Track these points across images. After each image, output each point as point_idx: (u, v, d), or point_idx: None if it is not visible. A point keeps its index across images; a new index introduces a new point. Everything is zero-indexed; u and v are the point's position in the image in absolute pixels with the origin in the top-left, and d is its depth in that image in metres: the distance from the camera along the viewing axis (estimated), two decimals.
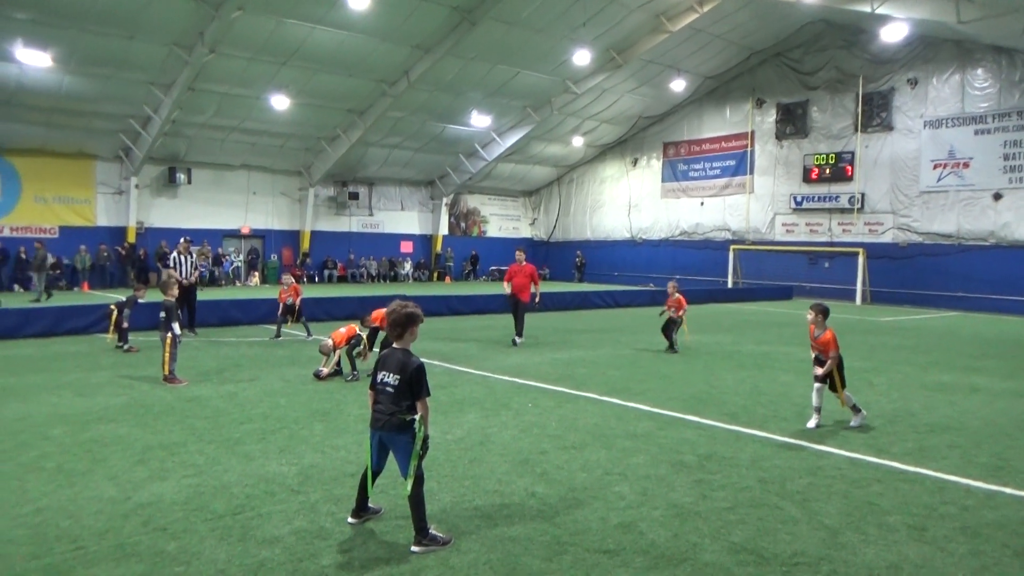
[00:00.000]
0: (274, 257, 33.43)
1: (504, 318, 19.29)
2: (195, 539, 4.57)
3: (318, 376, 10.07)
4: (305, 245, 34.34)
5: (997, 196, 25.96)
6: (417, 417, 4.57)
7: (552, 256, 42.66)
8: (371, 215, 37.01)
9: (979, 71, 26.35)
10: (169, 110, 25.41)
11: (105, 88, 24.38)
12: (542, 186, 42.91)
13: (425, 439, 4.58)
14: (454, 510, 5.12)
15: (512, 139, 34.07)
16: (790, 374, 11.15)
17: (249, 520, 4.87)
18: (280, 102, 26.75)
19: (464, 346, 13.65)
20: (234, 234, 32.73)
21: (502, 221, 42.78)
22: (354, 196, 35.44)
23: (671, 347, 13.45)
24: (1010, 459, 6.69)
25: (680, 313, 13.61)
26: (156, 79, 24.53)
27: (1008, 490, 5.79)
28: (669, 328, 13.57)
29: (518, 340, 14.13)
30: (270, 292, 24.90)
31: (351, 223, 36.30)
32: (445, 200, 38.95)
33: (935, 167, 27.44)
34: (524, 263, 14.81)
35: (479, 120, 31.76)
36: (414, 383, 4.61)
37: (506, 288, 14.75)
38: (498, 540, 4.61)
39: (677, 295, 13.77)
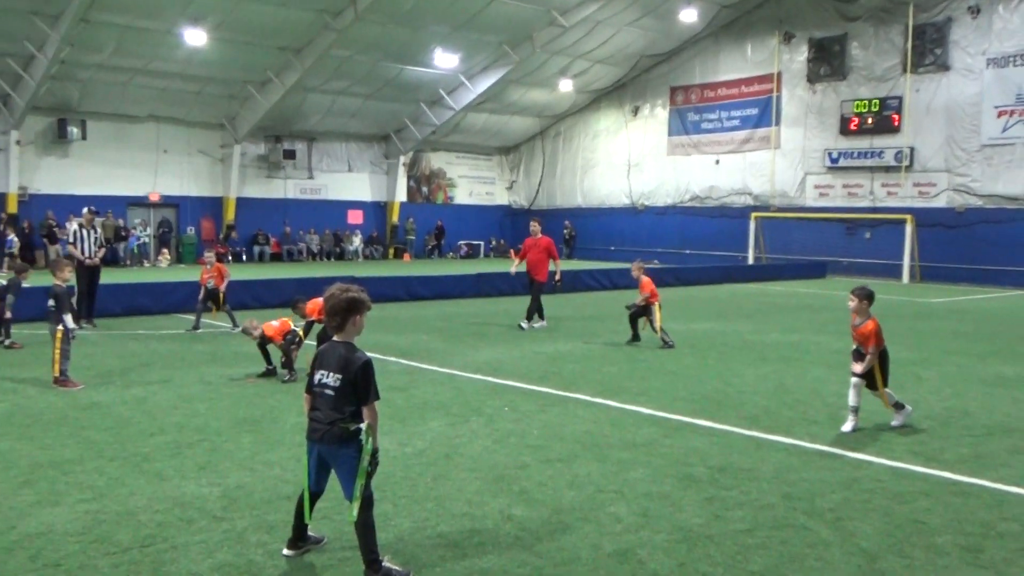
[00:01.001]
0: (191, 231, 33.20)
1: (474, 304, 19.35)
2: None
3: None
4: (230, 215, 34.12)
5: None
6: (364, 426, 4.54)
7: None
8: (311, 178, 36.85)
9: None
10: (57, 47, 25.04)
11: None
12: (522, 142, 42.91)
13: (374, 453, 4.56)
14: (414, 538, 5.16)
15: (485, 83, 34.01)
16: (823, 368, 11.32)
17: (161, 553, 4.87)
18: (196, 37, 26.47)
19: (426, 338, 13.67)
20: (141, 202, 32.43)
21: (473, 185, 42.77)
22: (290, 155, 35.23)
23: (635, 338, 13.39)
24: None
25: (654, 300, 13.22)
26: (39, 8, 24.14)
27: None
28: (638, 318, 13.37)
29: (524, 325, 14.89)
30: (186, 274, 24.75)
31: (287, 188, 36.11)
32: (403, 159, 38.84)
33: (1000, 115, 27.82)
34: (540, 235, 15.61)
35: (444, 60, 31.63)
36: (359, 384, 4.56)
37: (515, 266, 15.83)
38: (467, 574, 4.65)
39: (645, 277, 13.45)
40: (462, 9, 28.80)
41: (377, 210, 39.16)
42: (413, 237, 39.39)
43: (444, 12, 28.75)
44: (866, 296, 8.09)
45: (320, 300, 10.51)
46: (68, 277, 9.73)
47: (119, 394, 9.18)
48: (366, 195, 38.79)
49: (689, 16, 31.79)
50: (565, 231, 40.31)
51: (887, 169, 30.50)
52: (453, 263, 35.66)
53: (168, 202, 33.00)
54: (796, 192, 33.10)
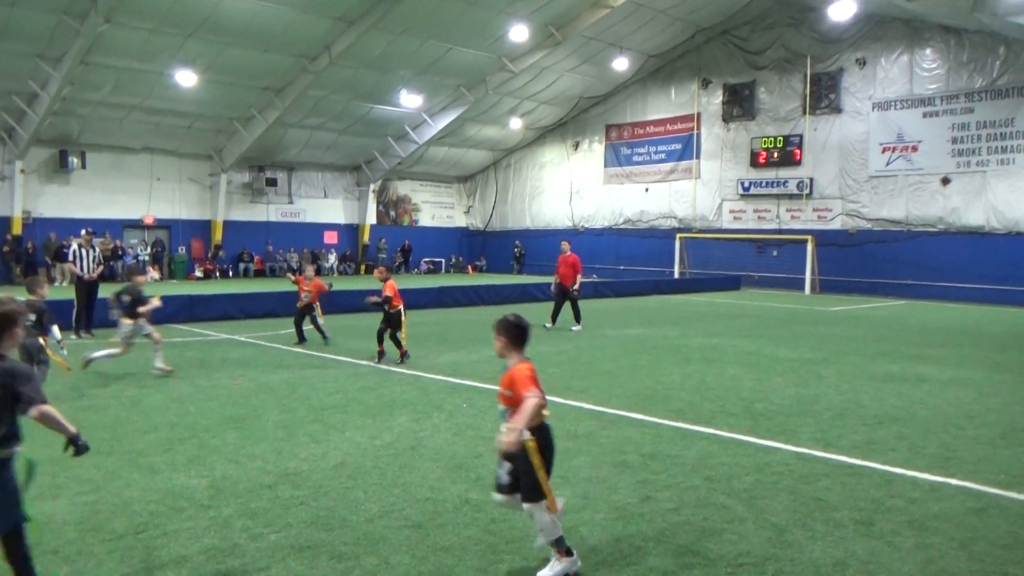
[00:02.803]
0: (182, 250, 32.50)
1: (436, 314, 19.24)
2: (91, 562, 4.42)
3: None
4: (217, 236, 33.48)
5: (945, 180, 27.19)
6: (18, 450, 3.75)
7: (489, 246, 42.72)
8: (291, 203, 36.36)
9: (927, 51, 27.51)
10: (59, 86, 24.38)
11: None
12: (478, 171, 42.90)
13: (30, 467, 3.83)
14: (382, 520, 5.09)
15: (445, 120, 33.94)
16: (739, 367, 11.46)
17: (153, 539, 4.74)
18: (186, 78, 25.98)
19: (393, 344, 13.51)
20: (136, 224, 31.66)
21: (435, 209, 42.60)
22: (272, 182, 34.73)
23: (301, 339, 13.16)
24: (957, 450, 7.03)
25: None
26: (43, 51, 23.50)
27: (954, 481, 6.08)
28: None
29: (575, 328, 15.88)
30: (175, 288, 24.23)
31: (269, 212, 35.58)
32: (372, 187, 38.55)
33: (884, 151, 28.56)
34: (569, 253, 16.72)
35: (409, 100, 31.51)
36: (16, 391, 3.67)
37: (555, 280, 16.81)
38: (430, 551, 4.60)
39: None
40: (424, 56, 28.74)
41: (350, 231, 38.76)
42: (384, 255, 39.05)
43: (409, 58, 28.66)
44: (504, 329, 4.58)
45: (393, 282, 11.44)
46: (46, 294, 9.00)
47: (115, 396, 8.93)
48: (340, 218, 38.38)
49: (621, 64, 32.14)
50: (516, 250, 40.34)
51: (791, 196, 31.09)
52: (417, 278, 35.44)
53: (161, 224, 32.28)
54: (714, 216, 33.56)
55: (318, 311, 13.77)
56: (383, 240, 39.02)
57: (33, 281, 9.04)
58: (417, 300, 20.67)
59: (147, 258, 31.01)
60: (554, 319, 16.38)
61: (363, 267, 38.10)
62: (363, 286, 23.57)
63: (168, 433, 7.28)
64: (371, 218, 39.01)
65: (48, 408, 3.75)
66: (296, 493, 5.60)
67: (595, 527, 5.03)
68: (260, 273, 34.20)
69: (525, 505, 4.36)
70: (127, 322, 10.34)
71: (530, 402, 4.18)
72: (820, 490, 5.81)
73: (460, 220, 43.88)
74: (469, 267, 41.77)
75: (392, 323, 11.66)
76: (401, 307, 11.66)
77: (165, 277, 31.21)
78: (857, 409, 8.70)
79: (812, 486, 5.91)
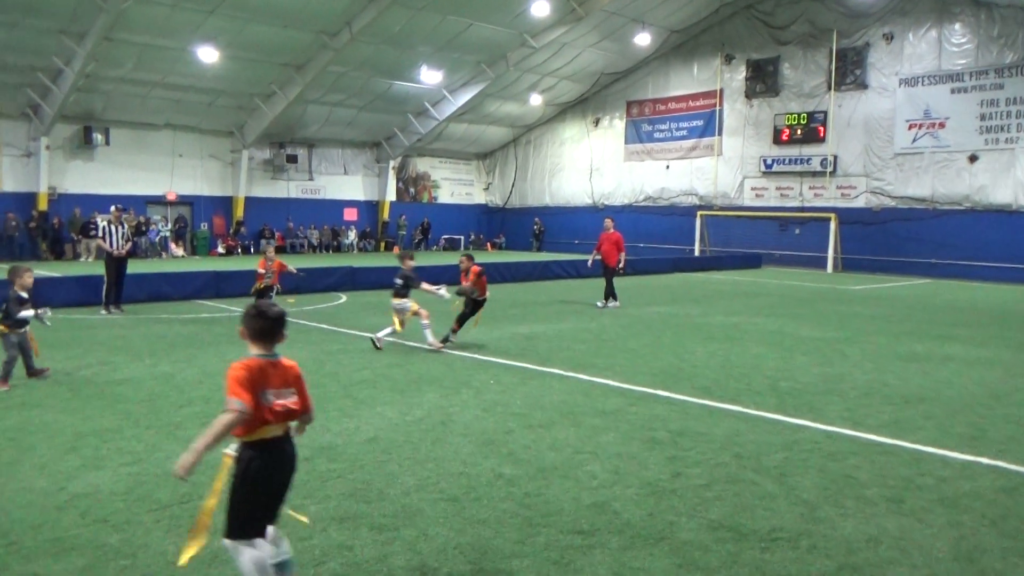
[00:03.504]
0: (204, 226, 32.77)
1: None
2: (140, 531, 4.55)
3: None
4: (239, 212, 33.71)
5: (973, 158, 26.83)
6: None
7: (508, 223, 42.71)
8: (311, 180, 36.48)
9: (956, 26, 27.05)
10: (83, 62, 24.52)
11: (8, 37, 23.43)
12: (497, 148, 42.79)
13: None
14: (418, 493, 5.19)
15: (465, 97, 33.84)
16: (762, 346, 11.47)
17: (198, 509, 4.86)
18: (208, 55, 26.05)
19: (418, 321, 13.61)
20: (158, 200, 31.94)
21: (454, 186, 42.60)
22: (292, 159, 34.86)
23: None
24: (985, 429, 7.04)
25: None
26: (67, 27, 23.62)
27: (984, 460, 6.10)
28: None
29: (600, 304, 16.00)
30: (200, 264, 24.50)
31: (289, 188, 35.74)
32: (392, 163, 38.59)
33: (910, 127, 28.19)
34: (612, 231, 16.60)
35: (429, 76, 31.42)
36: None
37: (592, 257, 16.95)
38: (467, 524, 4.70)
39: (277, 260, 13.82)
40: (445, 32, 28.61)
41: (370, 208, 38.88)
42: (404, 232, 39.21)
43: (429, 34, 28.55)
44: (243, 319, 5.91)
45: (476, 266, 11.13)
46: (29, 284, 8.31)
47: (149, 371, 9.10)
48: (360, 195, 38.50)
49: (643, 40, 31.83)
50: (535, 227, 40.32)
51: (814, 174, 30.82)
52: (437, 255, 35.55)
53: (183, 200, 32.54)
54: (735, 193, 33.35)
55: (276, 292, 13.44)
56: (403, 217, 39.15)
57: (15, 271, 8.29)
58: (437, 277, 20.70)
59: (168, 234, 31.31)
60: (614, 296, 16.21)
61: (383, 244, 38.25)
62: (383, 263, 23.72)
63: (203, 407, 7.43)
64: (391, 195, 39.09)
65: None
66: (332, 466, 5.72)
67: (628, 502, 5.11)
68: (281, 249, 34.40)
69: (224, 541, 3.62)
70: (399, 300, 10.93)
71: (222, 417, 3.44)
72: (850, 468, 5.86)
73: (479, 197, 43.86)
74: (488, 244, 41.81)
75: (475, 310, 11.28)
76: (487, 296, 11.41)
77: (188, 253, 31.50)
78: (883, 388, 8.71)
79: (842, 464, 5.95)
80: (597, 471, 5.71)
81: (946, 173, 27.45)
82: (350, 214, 38.00)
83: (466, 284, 11.20)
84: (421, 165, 40.94)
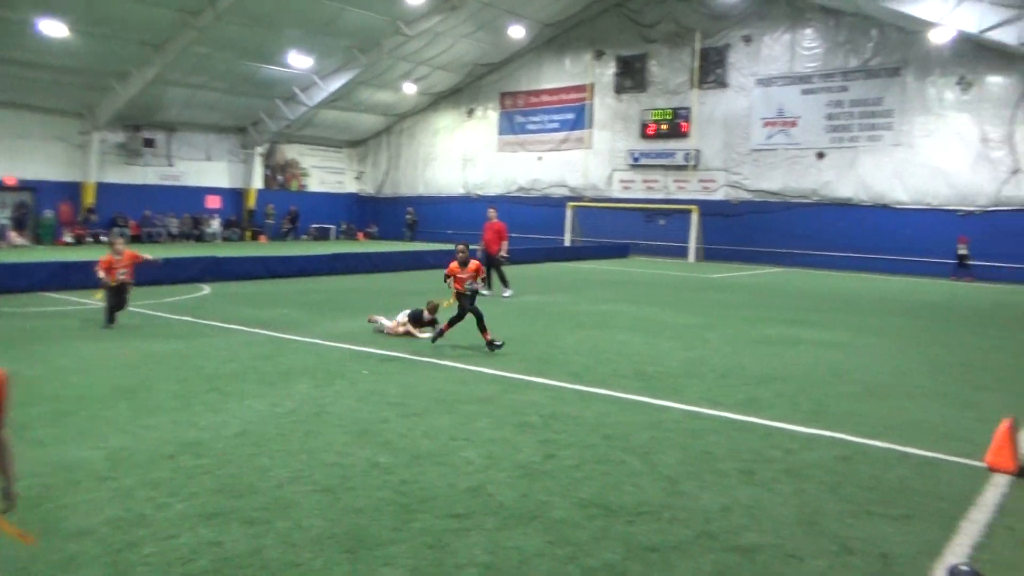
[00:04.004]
0: (48, 213, 30.47)
1: (329, 281, 18.99)
2: None
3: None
4: (89, 199, 31.57)
5: (820, 155, 28.87)
6: None
7: (381, 213, 42.23)
8: (171, 165, 34.63)
9: (808, 31, 28.96)
10: None
11: None
12: (369, 136, 42.16)
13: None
14: (291, 486, 5.13)
15: (336, 84, 33.12)
16: (629, 332, 11.97)
17: (50, 513, 4.62)
18: (54, 29, 24.22)
19: (286, 311, 13.34)
20: None
21: (324, 174, 41.64)
22: (149, 143, 32.99)
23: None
24: (827, 405, 7.68)
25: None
26: None
27: (825, 433, 6.67)
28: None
29: (507, 293, 16.26)
30: (45, 255, 22.83)
31: (147, 175, 33.79)
32: (259, 150, 37.27)
33: (765, 125, 29.98)
34: (494, 220, 16.95)
35: (298, 61, 30.55)
36: None
37: (480, 246, 16.74)
38: (343, 513, 4.69)
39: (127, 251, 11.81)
40: (316, 15, 27.86)
41: (235, 196, 37.36)
42: (271, 221, 37.95)
43: (299, 17, 27.71)
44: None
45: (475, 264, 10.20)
46: None
47: None
48: (224, 182, 36.90)
49: (516, 32, 32.22)
50: (408, 216, 40.08)
51: (678, 167, 32.22)
52: (307, 244, 34.66)
53: (25, 186, 30.11)
54: (605, 185, 34.39)
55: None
56: (270, 206, 37.90)
57: None
58: (307, 267, 20.35)
59: (7, 222, 28.93)
60: (488, 286, 16.37)
61: (249, 233, 36.90)
62: (249, 253, 22.95)
63: (53, 406, 6.99)
64: (257, 182, 37.73)
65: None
66: (199, 462, 5.55)
67: (502, 485, 5.25)
68: (136, 239, 32.50)
69: None
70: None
71: None
72: (708, 444, 6.26)
73: (351, 186, 43.08)
74: (360, 233, 41.18)
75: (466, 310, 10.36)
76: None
77: (31, 242, 29.24)
78: (739, 370, 9.30)
79: (701, 441, 6.35)
80: (472, 456, 5.83)
81: (797, 169, 29.40)
82: (213, 202, 36.39)
83: (461, 282, 10.22)
84: (290, 152, 39.74)
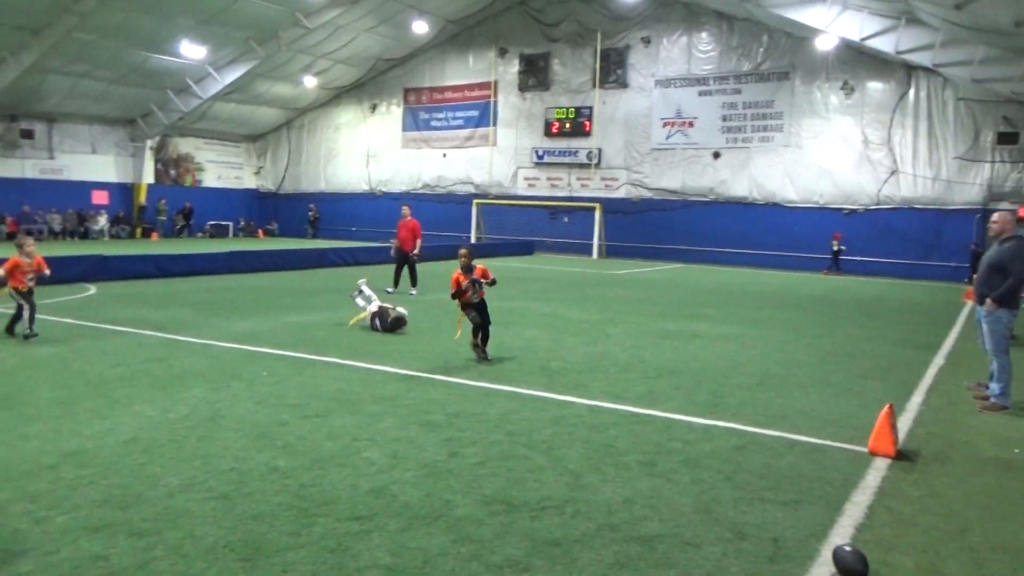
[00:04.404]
0: None
1: (226, 280, 18.36)
2: None
3: None
4: None
5: (716, 155, 29.90)
6: None
7: (281, 209, 41.18)
8: (52, 158, 32.70)
9: (704, 34, 29.93)
10: None
11: None
12: (269, 131, 41.01)
13: None
14: (184, 494, 4.92)
15: (232, 75, 32.04)
16: (535, 328, 12.07)
17: None
18: None
19: (180, 312, 12.80)
20: None
21: (221, 169, 40.23)
22: (27, 134, 31.11)
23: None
24: (723, 396, 7.96)
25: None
26: None
27: (721, 423, 6.91)
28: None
29: (413, 292, 16.17)
30: None
31: (25, 168, 31.80)
32: (150, 143, 35.63)
33: (664, 125, 30.82)
34: (408, 218, 16.84)
35: (192, 51, 29.37)
36: None
37: (393, 242, 16.86)
38: (239, 520, 4.54)
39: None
40: (209, 4, 26.84)
41: (124, 191, 35.61)
42: (163, 218, 36.36)
43: (191, 5, 26.63)
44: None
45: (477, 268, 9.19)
46: None
47: None
48: (112, 176, 35.09)
49: (420, 27, 31.98)
50: (310, 213, 39.20)
51: (581, 166, 32.74)
52: (202, 242, 33.39)
53: None
54: (509, 183, 34.60)
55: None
56: (162, 201, 36.33)
57: None
58: (204, 265, 19.62)
59: None
60: (396, 283, 16.51)
61: (139, 230, 35.28)
62: (139, 251, 21.92)
63: None
64: (148, 177, 36.09)
65: None
66: (82, 472, 5.26)
67: (406, 485, 5.19)
68: (12, 236, 30.53)
69: None
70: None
71: None
72: (610, 437, 6.38)
73: (249, 181, 41.80)
74: (260, 231, 40.01)
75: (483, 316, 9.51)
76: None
77: None
78: (640, 364, 9.52)
79: (603, 434, 6.46)
80: (375, 457, 5.74)
81: (694, 168, 30.36)
82: (100, 197, 34.59)
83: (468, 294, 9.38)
84: (184, 146, 38.18)
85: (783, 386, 8.58)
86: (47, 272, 10.60)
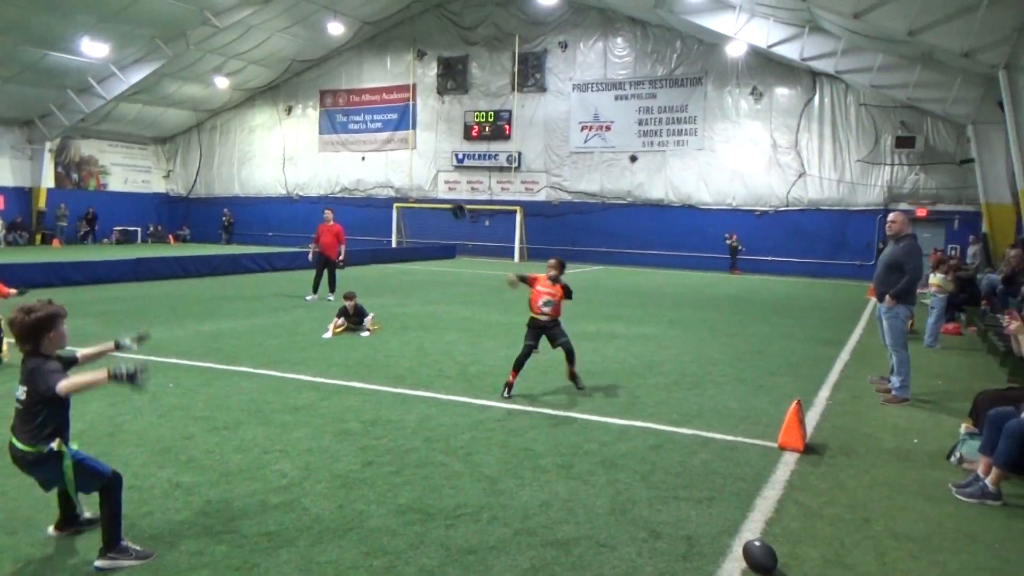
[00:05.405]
0: None
1: (132, 288, 17.62)
2: None
3: None
4: None
5: (633, 158, 30.42)
6: (55, 445, 4.07)
7: (193, 214, 39.87)
8: None
9: (619, 40, 30.43)
10: None
11: None
12: (179, 133, 39.66)
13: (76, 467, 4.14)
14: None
15: (138, 75, 30.81)
16: (454, 332, 11.99)
17: None
18: None
19: (81, 323, 12.17)
20: None
21: (128, 172, 38.69)
22: None
23: None
24: (640, 396, 8.05)
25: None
26: None
27: (638, 423, 6.98)
28: None
29: (330, 297, 15.55)
30: None
31: None
32: (49, 145, 33.95)
33: (583, 129, 31.19)
34: (332, 223, 16.53)
35: (93, 49, 28.11)
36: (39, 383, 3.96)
37: (312, 247, 16.42)
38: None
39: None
40: (111, 1, 25.75)
41: (21, 196, 33.83)
42: (64, 224, 34.68)
43: (91, 2, 25.51)
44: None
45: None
46: None
47: None
48: (7, 180, 33.30)
49: (335, 29, 31.47)
50: (224, 218, 38.08)
51: (501, 169, 32.81)
52: (108, 248, 31.98)
53: None
54: (430, 186, 34.39)
55: None
56: (63, 206, 34.65)
57: None
58: (108, 273, 18.79)
59: None
60: (315, 289, 16.08)
61: (39, 236, 33.56)
62: (40, 258, 20.82)
63: None
64: (48, 181, 34.38)
65: (64, 383, 3.92)
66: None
67: (317, 497, 5.04)
68: None
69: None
70: None
71: None
72: (528, 441, 6.35)
73: (159, 185, 40.31)
74: (171, 236, 38.63)
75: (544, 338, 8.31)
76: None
77: None
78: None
79: (521, 438, 6.43)
80: (286, 469, 5.56)
81: (612, 171, 30.82)
82: None
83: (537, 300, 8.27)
84: (86, 148, 36.53)
85: (698, 385, 8.74)
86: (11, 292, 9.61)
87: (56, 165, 34.99)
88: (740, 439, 6.59)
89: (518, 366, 8.00)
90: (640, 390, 8.33)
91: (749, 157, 28.62)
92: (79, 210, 35.50)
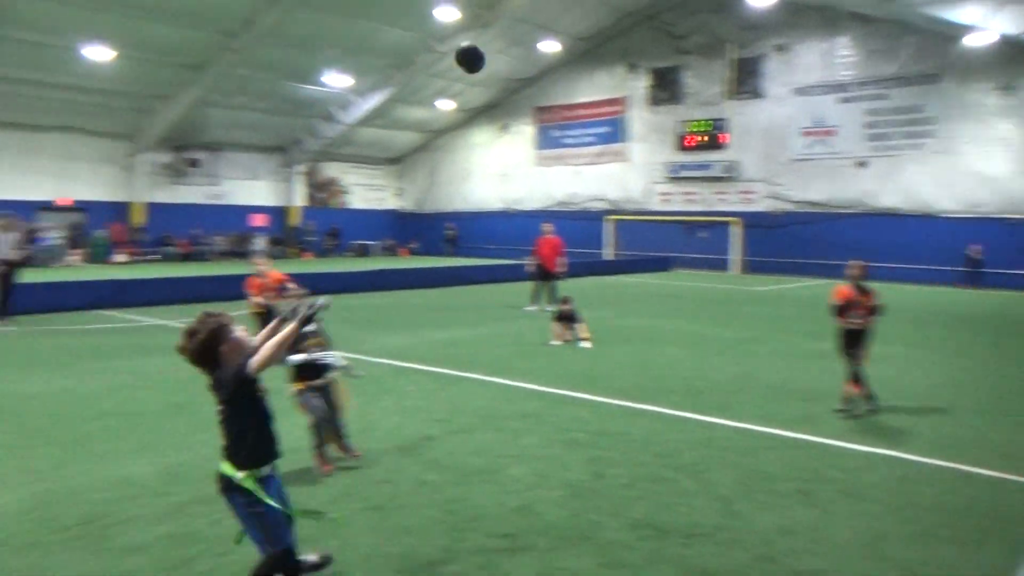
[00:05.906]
0: (100, 233, 31.21)
1: (372, 297, 19.09)
2: (43, 553, 4.32)
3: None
4: (137, 218, 32.29)
5: (861, 164, 28.34)
6: (242, 476, 3.51)
7: (422, 229, 42.48)
8: (215, 184, 35.28)
9: (841, 39, 28.52)
10: None
11: None
12: (407, 153, 42.54)
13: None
14: (343, 501, 5.12)
15: (373, 101, 33.49)
16: (677, 347, 11.80)
17: (107, 528, 4.66)
18: (98, 53, 24.92)
19: (332, 328, 13.37)
20: (49, 206, 30.23)
21: (365, 191, 42.07)
22: (194, 163, 33.66)
23: None
24: (884, 420, 7.45)
25: None
26: None
27: (881, 450, 6.46)
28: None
29: (549, 308, 15.38)
30: (98, 272, 23.35)
31: (193, 194, 34.47)
32: (300, 168, 37.81)
33: (805, 135, 29.54)
34: (550, 236, 16.97)
35: (336, 80, 30.97)
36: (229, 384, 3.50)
37: (531, 260, 16.99)
38: (393, 531, 4.66)
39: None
40: (351, 35, 28.24)
41: (278, 214, 37.97)
42: (313, 238, 38.46)
43: (336, 38, 28.12)
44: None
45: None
46: None
47: (48, 384, 8.62)
48: (268, 200, 37.50)
49: (549, 47, 32.31)
50: (450, 232, 40.27)
51: (717, 179, 31.87)
52: (350, 260, 34.98)
53: (78, 206, 30.92)
54: (644, 198, 34.17)
55: None
56: (311, 223, 38.43)
57: None
58: (351, 284, 20.51)
59: (62, 242, 29.68)
60: (534, 300, 16.60)
61: (294, 250, 37.44)
62: (294, 269, 23.15)
63: (112, 421, 7.11)
64: (299, 200, 38.29)
65: (255, 359, 3.44)
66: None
67: (551, 504, 5.17)
68: (188, 257, 33.16)
69: None
70: None
71: None
72: (762, 462, 6.10)
73: (391, 202, 43.47)
74: (403, 250, 41.47)
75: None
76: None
77: (85, 261, 29.96)
78: (792, 385, 9.09)
79: (754, 459, 6.19)
80: (520, 474, 5.76)
81: (838, 178, 28.89)
82: (257, 220, 36.97)
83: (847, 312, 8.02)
84: (330, 170, 40.24)
85: (951, 412, 7.94)
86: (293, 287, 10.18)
87: (307, 186, 38.87)
88: (1007, 476, 5.89)
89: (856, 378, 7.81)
90: (884, 414, 7.72)
91: (999, 159, 25.60)
92: (325, 226, 39.17)
